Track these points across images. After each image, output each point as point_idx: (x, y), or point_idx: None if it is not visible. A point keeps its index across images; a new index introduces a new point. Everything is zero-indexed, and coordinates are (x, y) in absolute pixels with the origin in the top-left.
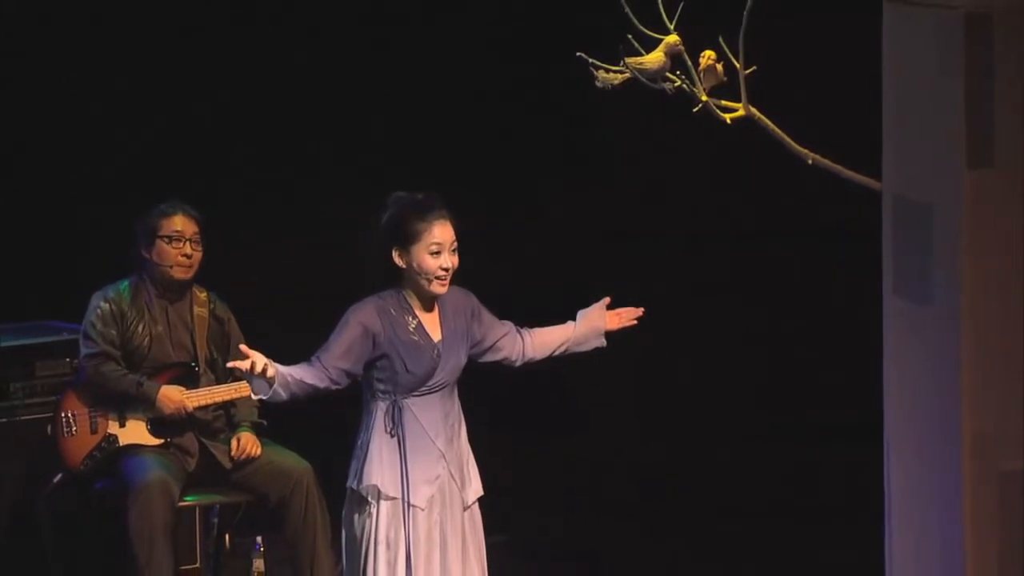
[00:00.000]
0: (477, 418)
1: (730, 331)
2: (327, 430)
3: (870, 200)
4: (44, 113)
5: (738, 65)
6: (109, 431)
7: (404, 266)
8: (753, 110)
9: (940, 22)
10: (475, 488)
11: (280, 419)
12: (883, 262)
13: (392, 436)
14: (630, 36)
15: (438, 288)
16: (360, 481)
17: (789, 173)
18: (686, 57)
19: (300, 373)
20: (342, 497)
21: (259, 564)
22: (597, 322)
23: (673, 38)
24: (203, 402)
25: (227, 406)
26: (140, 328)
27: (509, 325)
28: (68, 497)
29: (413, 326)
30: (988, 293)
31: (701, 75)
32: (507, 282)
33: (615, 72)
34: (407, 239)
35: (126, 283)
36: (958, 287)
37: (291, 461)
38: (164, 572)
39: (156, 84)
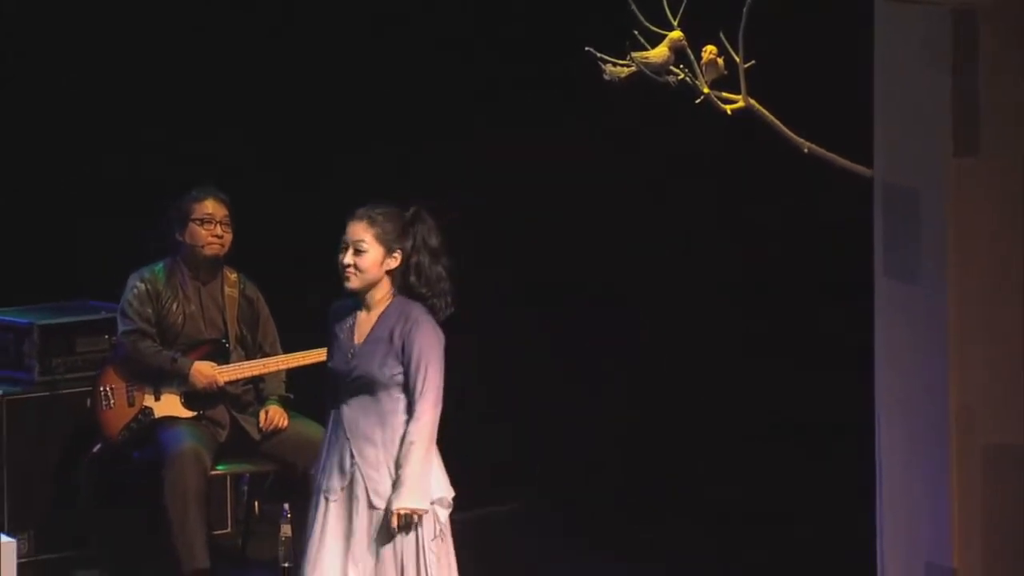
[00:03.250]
0: (481, 400)
1: (730, 330)
2: None
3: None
4: (44, 113)
5: (738, 59)
6: (145, 404)
7: None
8: (752, 102)
9: (928, 18)
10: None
11: (306, 393)
12: (874, 245)
13: (327, 425)
14: (636, 32)
15: (345, 283)
16: None
17: (789, 173)
18: (689, 52)
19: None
20: None
21: (286, 529)
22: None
23: (677, 34)
24: (233, 377)
25: (256, 380)
26: (174, 307)
27: (428, 390)
28: (107, 466)
29: (348, 325)
30: (973, 274)
31: (703, 69)
32: (506, 282)
33: (622, 66)
34: None
35: (161, 265)
36: (945, 268)
37: (317, 432)
38: (197, 536)
39: (156, 84)
